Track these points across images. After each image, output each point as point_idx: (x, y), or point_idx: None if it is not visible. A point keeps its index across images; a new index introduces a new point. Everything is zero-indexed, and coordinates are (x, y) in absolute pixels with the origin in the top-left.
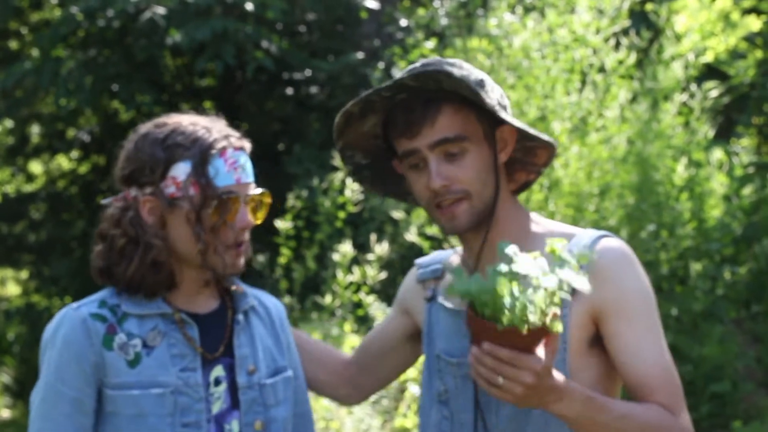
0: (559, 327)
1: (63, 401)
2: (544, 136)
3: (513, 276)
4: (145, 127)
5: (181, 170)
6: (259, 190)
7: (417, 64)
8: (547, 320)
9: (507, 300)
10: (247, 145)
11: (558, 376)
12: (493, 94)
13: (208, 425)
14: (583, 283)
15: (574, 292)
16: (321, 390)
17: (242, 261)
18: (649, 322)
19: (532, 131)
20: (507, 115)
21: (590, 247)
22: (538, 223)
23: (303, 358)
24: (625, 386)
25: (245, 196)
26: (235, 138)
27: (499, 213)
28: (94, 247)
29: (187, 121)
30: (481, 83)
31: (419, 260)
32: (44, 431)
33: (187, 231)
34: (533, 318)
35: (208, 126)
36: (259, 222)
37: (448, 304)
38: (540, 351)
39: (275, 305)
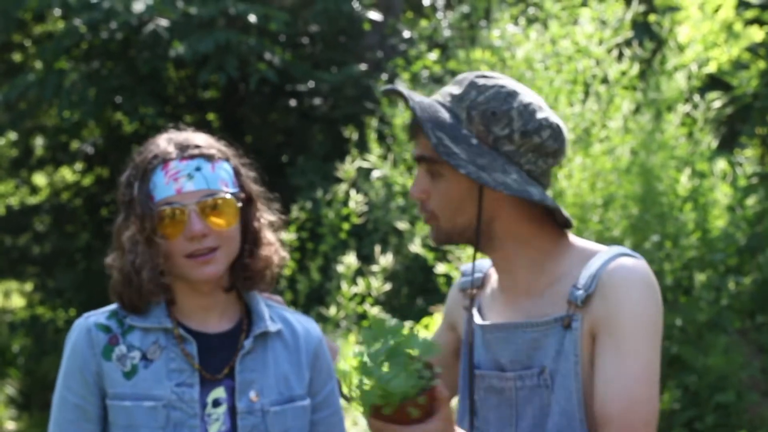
0: (416, 408)
1: (67, 408)
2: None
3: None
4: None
5: (135, 188)
6: (220, 195)
7: (456, 80)
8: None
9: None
10: (210, 153)
11: None
12: (474, 138)
13: None
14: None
15: (584, 304)
16: None
17: (209, 269)
18: (637, 346)
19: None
20: (471, 169)
21: (606, 263)
22: (570, 246)
23: None
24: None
25: (193, 204)
26: (194, 148)
27: (504, 238)
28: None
29: (161, 138)
30: (444, 124)
31: (463, 267)
32: None
33: (156, 245)
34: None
35: (174, 140)
36: (227, 227)
37: (479, 320)
38: (435, 418)
39: (308, 332)
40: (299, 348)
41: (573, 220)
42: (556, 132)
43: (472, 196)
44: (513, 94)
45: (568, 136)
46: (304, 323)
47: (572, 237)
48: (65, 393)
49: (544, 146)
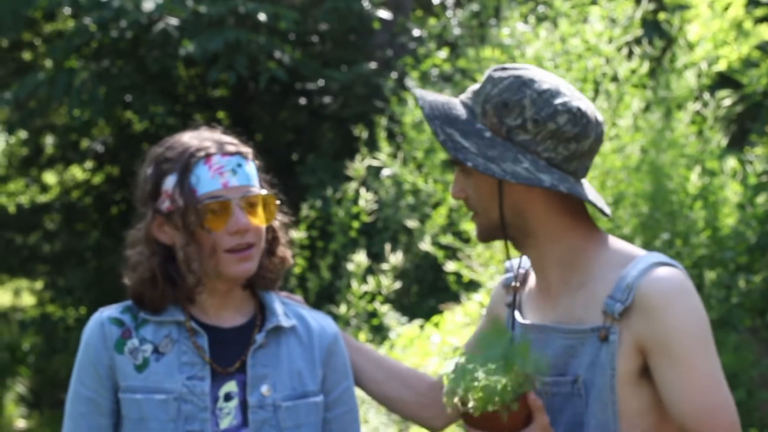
0: (509, 413)
1: (80, 401)
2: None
3: (469, 369)
4: (150, 150)
5: (169, 183)
6: (259, 192)
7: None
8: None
9: (461, 388)
10: (246, 150)
11: None
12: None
13: None
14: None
15: (621, 317)
16: (406, 411)
17: (247, 266)
18: (694, 360)
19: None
20: (478, 161)
21: (642, 274)
22: (603, 244)
23: (386, 379)
24: None
25: (238, 199)
26: (230, 145)
27: (538, 233)
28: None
29: (187, 135)
30: (456, 120)
31: (508, 263)
32: (66, 428)
33: (196, 240)
34: (493, 403)
35: (204, 137)
36: (264, 224)
37: (519, 319)
38: (530, 427)
39: (323, 328)
40: (313, 344)
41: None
42: (576, 116)
43: (493, 193)
44: (528, 83)
45: (598, 117)
46: (320, 320)
47: (609, 236)
48: (78, 387)
49: (561, 132)
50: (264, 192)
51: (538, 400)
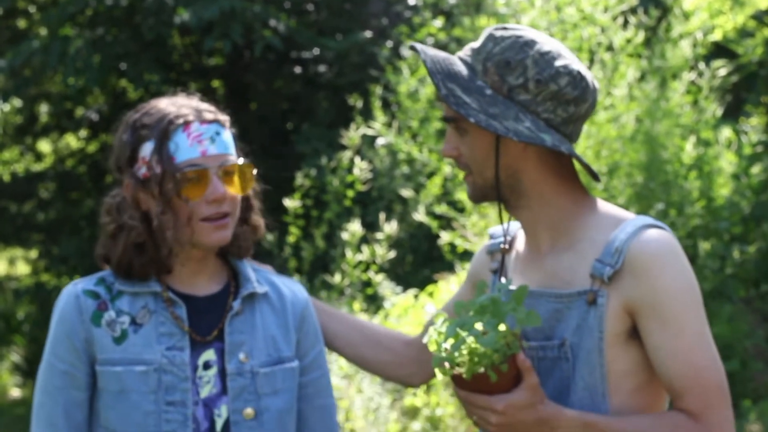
0: (498, 374)
1: (55, 374)
2: (542, 140)
3: (459, 329)
4: (126, 115)
5: (147, 150)
6: (237, 161)
7: (480, 39)
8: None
9: (447, 351)
10: (223, 118)
11: (548, 407)
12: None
13: (196, 407)
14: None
15: (610, 280)
16: (384, 372)
17: (223, 234)
18: (683, 321)
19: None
20: (480, 117)
21: (631, 236)
22: (592, 208)
23: (363, 342)
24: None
25: (216, 168)
26: (208, 112)
27: (531, 194)
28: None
29: (164, 101)
30: (457, 76)
31: (491, 229)
32: (39, 402)
33: (171, 207)
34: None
35: (182, 104)
36: (241, 193)
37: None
38: (520, 387)
39: (294, 294)
40: (286, 310)
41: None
42: (576, 79)
43: (490, 150)
44: (530, 43)
45: (595, 83)
46: (290, 286)
47: (598, 200)
48: (53, 360)
49: (562, 94)
50: (241, 161)
51: (527, 361)
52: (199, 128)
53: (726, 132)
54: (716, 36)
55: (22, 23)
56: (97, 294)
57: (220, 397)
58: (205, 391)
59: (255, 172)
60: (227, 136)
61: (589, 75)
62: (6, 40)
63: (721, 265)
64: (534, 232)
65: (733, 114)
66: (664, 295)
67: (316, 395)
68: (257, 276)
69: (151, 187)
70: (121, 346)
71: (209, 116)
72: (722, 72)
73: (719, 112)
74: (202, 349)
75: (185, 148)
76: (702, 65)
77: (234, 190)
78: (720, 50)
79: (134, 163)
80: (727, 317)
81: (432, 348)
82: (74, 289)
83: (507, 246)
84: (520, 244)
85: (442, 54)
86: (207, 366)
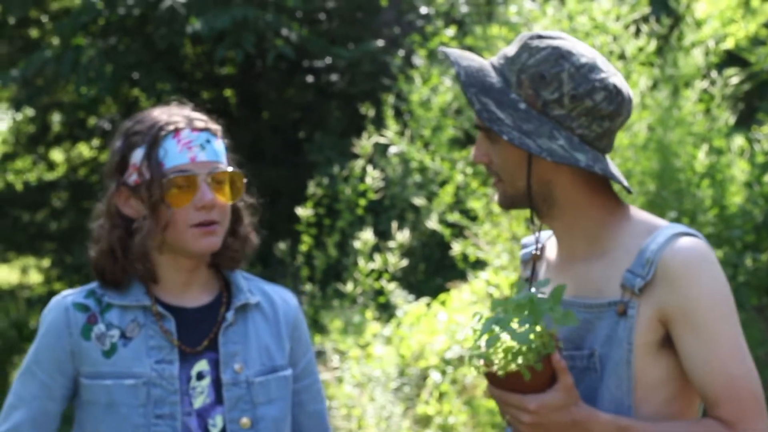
0: (532, 373)
1: (33, 382)
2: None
3: (495, 327)
4: (123, 122)
5: (137, 156)
6: (227, 169)
7: (516, 39)
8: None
9: (485, 348)
10: (215, 127)
11: (581, 409)
12: (524, 102)
13: (189, 419)
14: (570, 320)
15: (641, 292)
16: None
17: (211, 240)
18: (717, 329)
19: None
20: (513, 134)
21: (663, 246)
22: (626, 216)
23: None
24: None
25: (205, 175)
26: (200, 120)
27: (564, 205)
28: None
29: (157, 110)
30: (491, 89)
31: (524, 239)
32: (11, 404)
33: (159, 214)
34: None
35: (174, 112)
36: (230, 201)
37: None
38: (554, 388)
39: (285, 302)
40: (278, 319)
41: (631, 188)
42: (612, 94)
43: (522, 160)
44: (566, 55)
45: (630, 94)
46: (281, 294)
47: (632, 208)
48: (34, 368)
49: (597, 109)
50: (231, 169)
51: (562, 361)
52: (190, 135)
53: (739, 140)
54: (728, 44)
55: (34, 33)
56: (87, 307)
57: (214, 407)
58: (198, 402)
59: (246, 181)
60: (218, 144)
61: (625, 87)
62: (19, 50)
63: (734, 273)
64: (568, 241)
65: (745, 122)
66: (698, 303)
67: (310, 401)
68: (249, 285)
69: (141, 192)
70: (110, 360)
71: (200, 124)
72: (734, 80)
73: (732, 120)
74: (195, 360)
75: (174, 154)
76: (714, 73)
77: (223, 198)
78: (732, 58)
79: (125, 169)
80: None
81: (468, 344)
82: (64, 301)
83: (538, 252)
84: (552, 251)
85: (475, 64)
86: (200, 376)
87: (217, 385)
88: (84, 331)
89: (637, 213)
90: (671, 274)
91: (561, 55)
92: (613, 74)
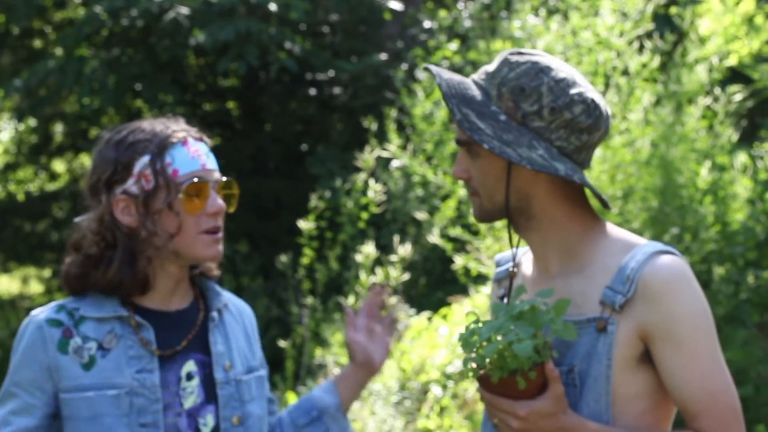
0: (526, 380)
1: (14, 402)
2: (556, 169)
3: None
4: (104, 136)
5: (141, 164)
6: (230, 178)
7: (497, 58)
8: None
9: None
10: (208, 140)
11: (570, 418)
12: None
13: (179, 419)
14: (570, 333)
15: (622, 308)
16: None
17: (219, 248)
18: (697, 346)
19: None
20: (494, 143)
21: (643, 264)
22: (603, 232)
23: None
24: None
25: (213, 182)
26: (195, 131)
27: (541, 217)
28: (66, 259)
29: (147, 122)
30: (472, 100)
31: (497, 257)
32: None
33: (164, 221)
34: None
35: (169, 123)
36: (231, 210)
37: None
38: (544, 396)
39: (243, 306)
40: (244, 321)
41: (609, 203)
42: (590, 107)
43: (501, 176)
44: (545, 70)
45: (608, 111)
46: (238, 300)
47: (608, 224)
48: (12, 388)
49: (576, 122)
50: (229, 179)
51: (555, 370)
52: (195, 144)
53: (741, 157)
54: (732, 61)
55: (37, 43)
56: (60, 321)
57: (204, 406)
58: (189, 402)
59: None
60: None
61: (602, 103)
62: (22, 60)
63: (736, 290)
64: (543, 254)
65: (748, 139)
66: (678, 320)
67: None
68: (219, 290)
69: (149, 199)
70: (90, 372)
71: (197, 135)
72: (738, 97)
73: (735, 137)
74: (182, 361)
75: (187, 162)
76: (718, 90)
77: (228, 205)
78: (735, 75)
79: (126, 179)
80: (741, 342)
81: (462, 347)
82: (36, 319)
83: (515, 269)
84: (528, 267)
85: (457, 77)
86: (189, 377)
87: (207, 384)
88: (60, 345)
89: (614, 229)
90: (652, 291)
91: (540, 70)
92: (590, 90)
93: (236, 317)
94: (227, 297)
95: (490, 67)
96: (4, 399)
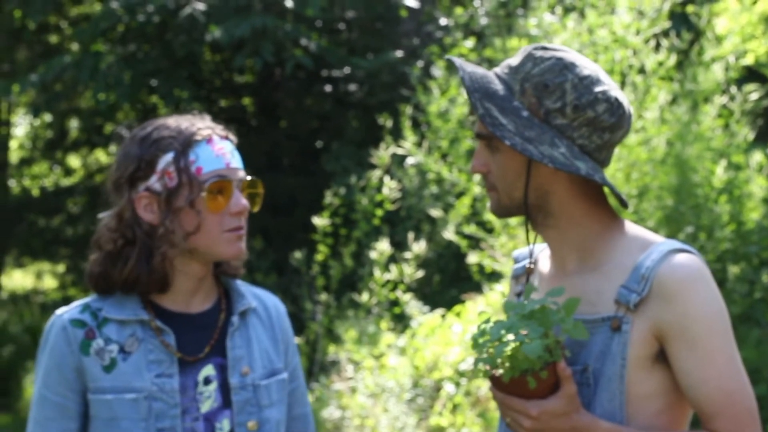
0: (537, 380)
1: (47, 406)
2: (576, 168)
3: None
4: (129, 133)
5: (165, 161)
6: (254, 177)
7: (520, 51)
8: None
9: (486, 353)
10: (233, 138)
11: (583, 417)
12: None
13: (196, 423)
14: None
15: (636, 307)
16: None
17: (242, 246)
18: (713, 346)
19: (557, 162)
20: (515, 139)
21: (659, 262)
22: (620, 230)
23: None
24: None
25: (237, 181)
26: (220, 129)
27: (559, 215)
28: (90, 256)
29: (172, 119)
30: (495, 95)
31: (515, 253)
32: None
33: (184, 219)
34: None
35: (192, 120)
36: (255, 209)
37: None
38: (557, 395)
39: (275, 306)
40: (273, 323)
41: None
42: (613, 106)
43: (520, 171)
44: (570, 67)
45: (631, 110)
46: (272, 299)
47: (626, 223)
48: (44, 392)
49: (598, 120)
50: (254, 178)
51: (567, 369)
52: (220, 142)
53: (757, 156)
54: (748, 60)
55: (54, 38)
56: (84, 322)
57: (221, 411)
58: (205, 406)
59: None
60: (238, 154)
61: (625, 101)
62: (38, 55)
63: (750, 290)
64: (560, 252)
65: (764, 138)
66: (693, 319)
67: (296, 404)
68: (246, 291)
69: (172, 197)
70: (110, 375)
71: (223, 133)
72: (754, 96)
73: (751, 136)
74: (201, 365)
75: (211, 159)
76: (734, 89)
77: (251, 204)
78: (752, 74)
79: (149, 175)
80: (756, 341)
81: (472, 347)
82: (61, 319)
83: (532, 266)
84: (544, 264)
85: (480, 71)
86: (207, 381)
87: (224, 389)
88: (83, 346)
89: (632, 228)
90: (667, 290)
91: (565, 66)
92: (614, 88)
93: (263, 318)
94: (257, 294)
95: (514, 61)
96: (40, 403)
